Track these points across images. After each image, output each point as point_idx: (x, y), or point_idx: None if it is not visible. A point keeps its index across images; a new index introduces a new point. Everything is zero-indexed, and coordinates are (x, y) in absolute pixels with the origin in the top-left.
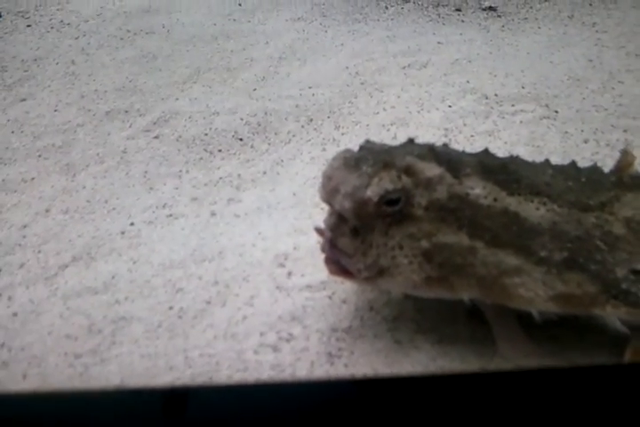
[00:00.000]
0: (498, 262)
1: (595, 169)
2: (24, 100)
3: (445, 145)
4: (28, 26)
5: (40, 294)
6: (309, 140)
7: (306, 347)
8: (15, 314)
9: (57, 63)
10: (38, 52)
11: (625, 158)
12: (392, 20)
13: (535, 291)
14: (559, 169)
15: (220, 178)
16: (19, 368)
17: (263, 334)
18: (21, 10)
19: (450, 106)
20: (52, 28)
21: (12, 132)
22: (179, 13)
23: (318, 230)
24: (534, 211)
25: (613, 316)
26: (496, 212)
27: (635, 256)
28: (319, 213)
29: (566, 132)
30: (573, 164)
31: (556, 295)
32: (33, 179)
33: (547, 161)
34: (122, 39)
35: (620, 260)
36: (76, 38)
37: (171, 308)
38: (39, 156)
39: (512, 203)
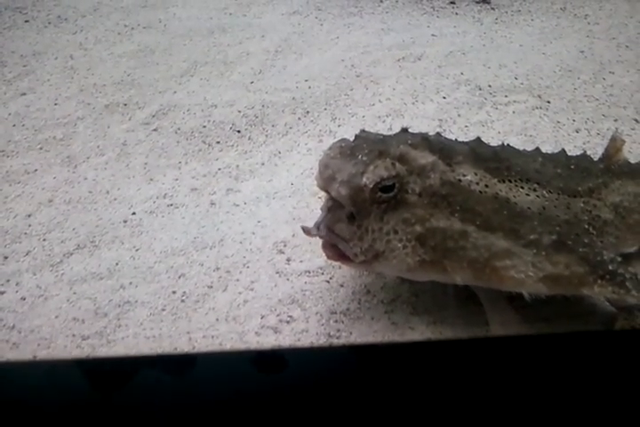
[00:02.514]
0: (489, 245)
1: (584, 157)
2: (24, 94)
3: (438, 134)
4: (26, 21)
5: (46, 279)
6: (306, 132)
7: (305, 328)
8: (23, 298)
9: (56, 58)
10: (37, 47)
11: (613, 144)
12: (387, 13)
13: (525, 272)
14: (549, 157)
15: (219, 169)
16: (29, 349)
17: (264, 317)
18: (19, 5)
19: (444, 97)
20: (49, 23)
21: (14, 125)
22: (175, 8)
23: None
24: (524, 196)
25: (601, 296)
26: (487, 197)
27: (622, 240)
28: (317, 202)
29: (558, 122)
30: (563, 152)
31: (546, 276)
32: (35, 170)
33: (537, 149)
34: (119, 34)
35: (608, 243)
36: (74, 33)
37: (174, 292)
38: (41, 148)
39: (502, 189)
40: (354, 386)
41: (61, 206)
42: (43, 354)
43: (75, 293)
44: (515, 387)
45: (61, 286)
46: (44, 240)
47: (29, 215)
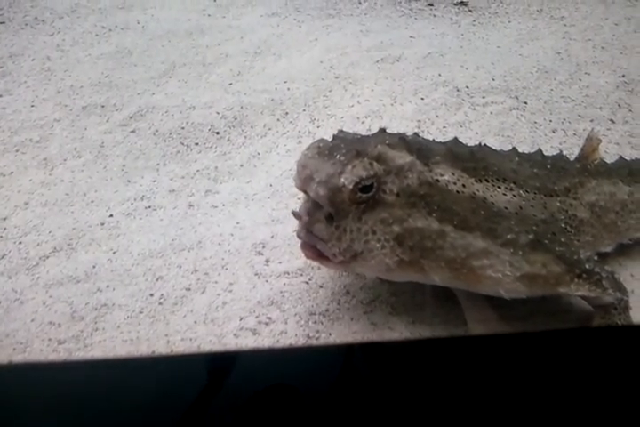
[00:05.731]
0: (466, 245)
1: (560, 157)
2: (0, 96)
3: (416, 134)
4: (2, 23)
5: (22, 283)
6: (285, 133)
7: (284, 330)
8: None
9: (32, 59)
10: (13, 48)
11: (590, 144)
12: (365, 14)
13: (502, 271)
14: (525, 157)
15: (197, 171)
16: (4, 354)
17: (243, 319)
18: None
19: (422, 98)
20: (26, 24)
21: None
22: (153, 9)
23: (295, 214)
24: (501, 196)
25: (577, 294)
26: (464, 197)
27: (598, 239)
28: (295, 204)
29: (535, 123)
30: (539, 152)
31: (523, 275)
32: (11, 173)
33: (514, 149)
34: (97, 35)
35: (585, 242)
36: (51, 35)
37: (151, 295)
38: (17, 150)
39: (480, 189)
40: (331, 388)
41: (38, 209)
42: (19, 358)
43: (51, 296)
44: (493, 385)
45: (37, 290)
46: (20, 243)
47: (5, 218)
